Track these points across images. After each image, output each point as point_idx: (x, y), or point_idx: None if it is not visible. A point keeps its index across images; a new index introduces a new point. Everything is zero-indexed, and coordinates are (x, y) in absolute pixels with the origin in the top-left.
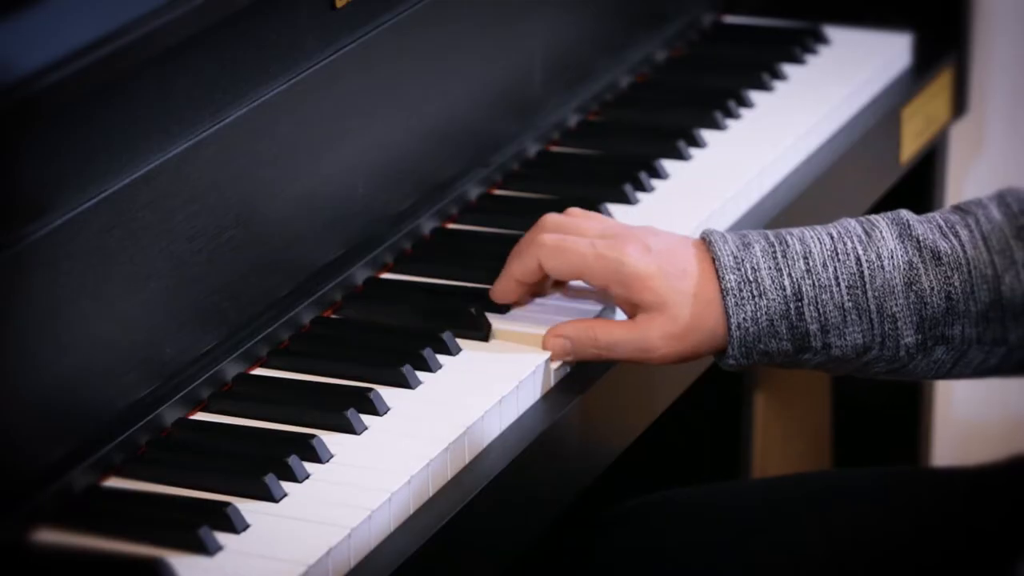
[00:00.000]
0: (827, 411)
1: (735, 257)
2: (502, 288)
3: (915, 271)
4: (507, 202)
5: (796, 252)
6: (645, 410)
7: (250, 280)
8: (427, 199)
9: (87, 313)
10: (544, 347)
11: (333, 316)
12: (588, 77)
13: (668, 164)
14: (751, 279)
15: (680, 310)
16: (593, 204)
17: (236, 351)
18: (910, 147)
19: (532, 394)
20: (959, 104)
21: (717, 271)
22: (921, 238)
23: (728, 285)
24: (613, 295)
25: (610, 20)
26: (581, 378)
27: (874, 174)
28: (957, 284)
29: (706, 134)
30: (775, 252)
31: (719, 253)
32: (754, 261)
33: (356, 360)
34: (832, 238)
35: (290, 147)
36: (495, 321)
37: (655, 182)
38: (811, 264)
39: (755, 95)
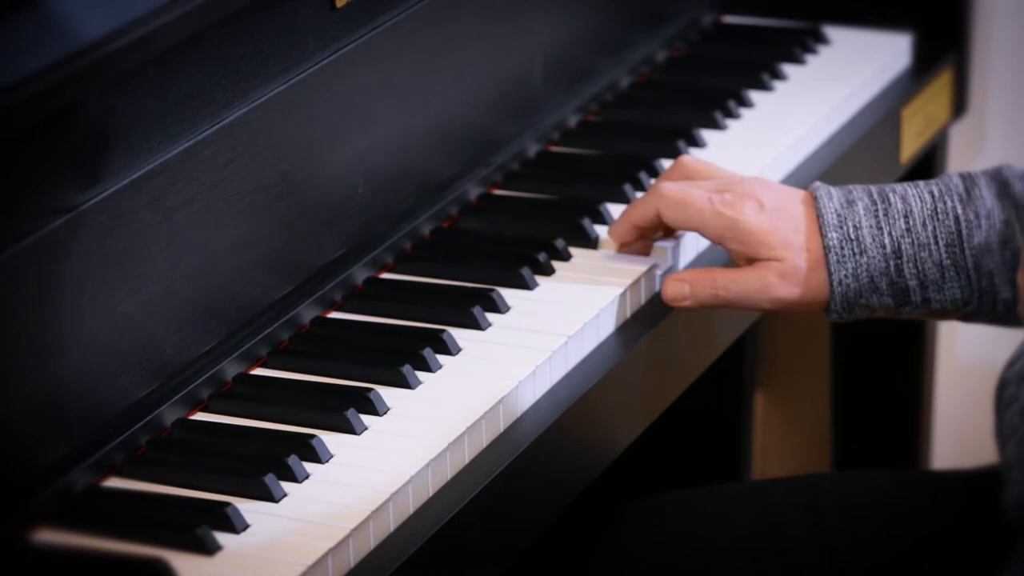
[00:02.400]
0: (827, 411)
1: (838, 215)
2: (619, 229)
3: (1011, 229)
4: (507, 202)
5: (897, 210)
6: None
7: (250, 280)
8: (427, 199)
9: (87, 313)
10: (664, 293)
11: (333, 316)
12: (588, 77)
13: (668, 164)
14: (852, 237)
15: (794, 261)
16: (593, 204)
17: (236, 351)
18: (910, 147)
19: (532, 395)
20: (959, 104)
21: (821, 228)
22: (1018, 196)
23: (831, 243)
24: (728, 249)
25: (610, 20)
26: (582, 379)
27: (874, 174)
28: None
29: (706, 134)
30: (877, 210)
31: (823, 210)
32: (856, 219)
33: (356, 360)
34: (933, 196)
35: (290, 146)
36: (495, 321)
37: (654, 182)
38: (911, 223)
39: (755, 95)
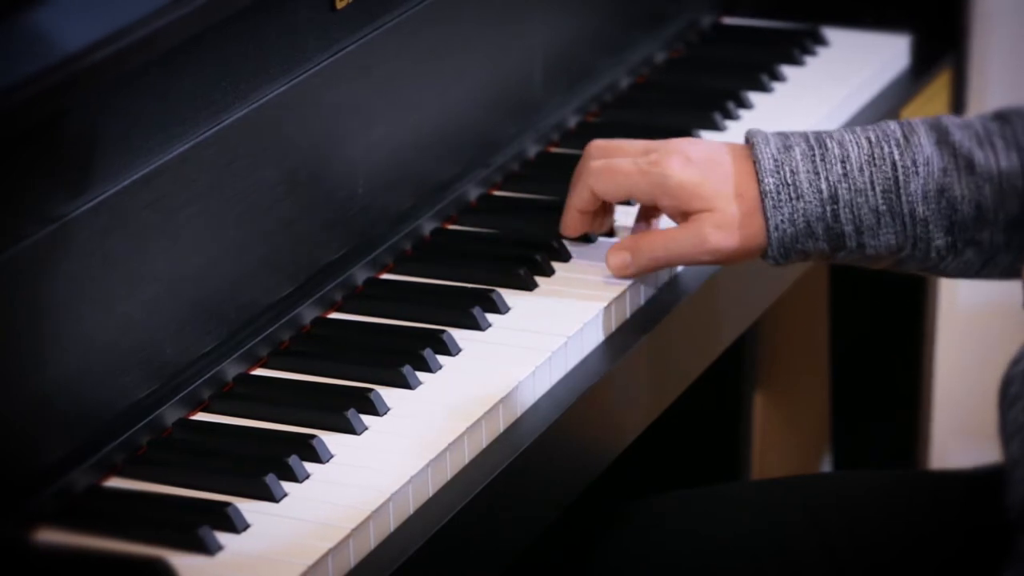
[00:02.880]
0: (826, 411)
1: (775, 160)
2: (567, 221)
3: (948, 178)
4: (507, 203)
5: (834, 156)
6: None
7: (251, 280)
8: (427, 200)
9: (88, 314)
10: (608, 264)
11: (333, 316)
12: (588, 78)
13: None
14: (789, 182)
15: (727, 208)
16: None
17: (237, 351)
18: None
19: (532, 395)
20: (957, 105)
21: (757, 173)
22: (957, 145)
23: (767, 188)
24: (662, 207)
25: (610, 21)
26: (581, 379)
27: None
28: (988, 194)
29: (705, 135)
30: (814, 155)
31: (760, 156)
32: (793, 164)
33: (356, 360)
34: (870, 142)
35: (291, 147)
36: (495, 322)
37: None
38: (848, 168)
39: (754, 96)
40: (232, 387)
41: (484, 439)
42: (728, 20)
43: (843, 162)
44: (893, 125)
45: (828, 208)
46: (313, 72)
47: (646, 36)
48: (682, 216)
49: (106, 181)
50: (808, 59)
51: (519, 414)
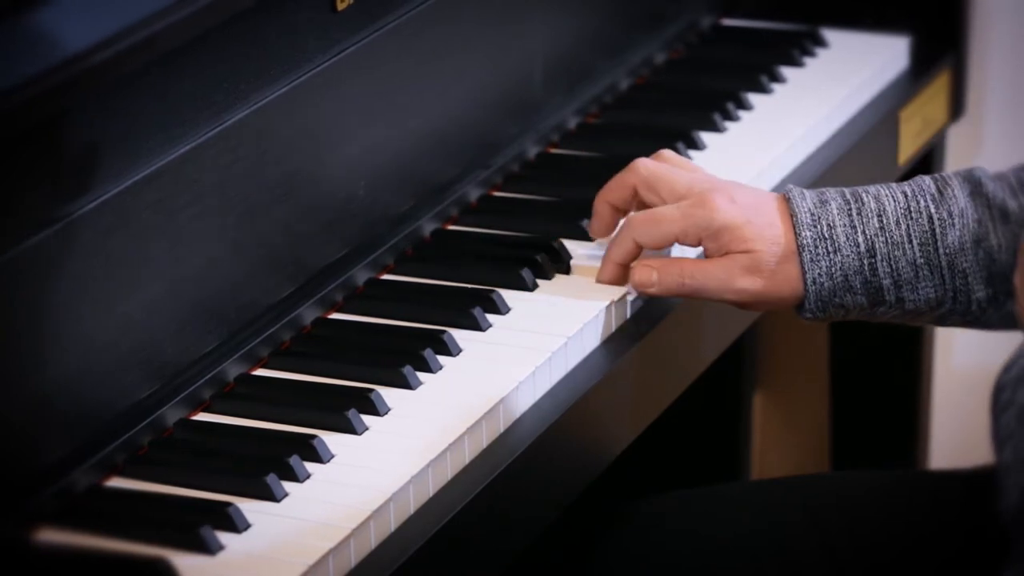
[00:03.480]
0: (826, 411)
1: (812, 214)
2: (606, 273)
3: (984, 228)
4: (507, 204)
5: (871, 210)
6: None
7: (252, 281)
8: (428, 201)
9: (89, 314)
10: (632, 278)
11: (334, 317)
12: (588, 79)
13: None
14: (826, 236)
15: (766, 255)
16: (592, 206)
17: (237, 352)
18: (908, 149)
19: (532, 395)
20: (957, 106)
21: (794, 227)
22: (991, 196)
23: (804, 241)
24: (705, 249)
25: (610, 22)
26: (581, 379)
27: (872, 176)
28: None
29: (705, 136)
30: (850, 209)
31: (796, 209)
32: (830, 218)
33: (357, 361)
34: (906, 196)
35: (292, 148)
36: (495, 322)
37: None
38: (885, 221)
39: (753, 97)
40: (233, 387)
41: (484, 439)
42: (728, 21)
43: (879, 216)
44: (927, 179)
45: (866, 262)
46: (314, 73)
47: (646, 37)
48: (721, 256)
49: (107, 182)
50: (807, 60)
51: (519, 414)
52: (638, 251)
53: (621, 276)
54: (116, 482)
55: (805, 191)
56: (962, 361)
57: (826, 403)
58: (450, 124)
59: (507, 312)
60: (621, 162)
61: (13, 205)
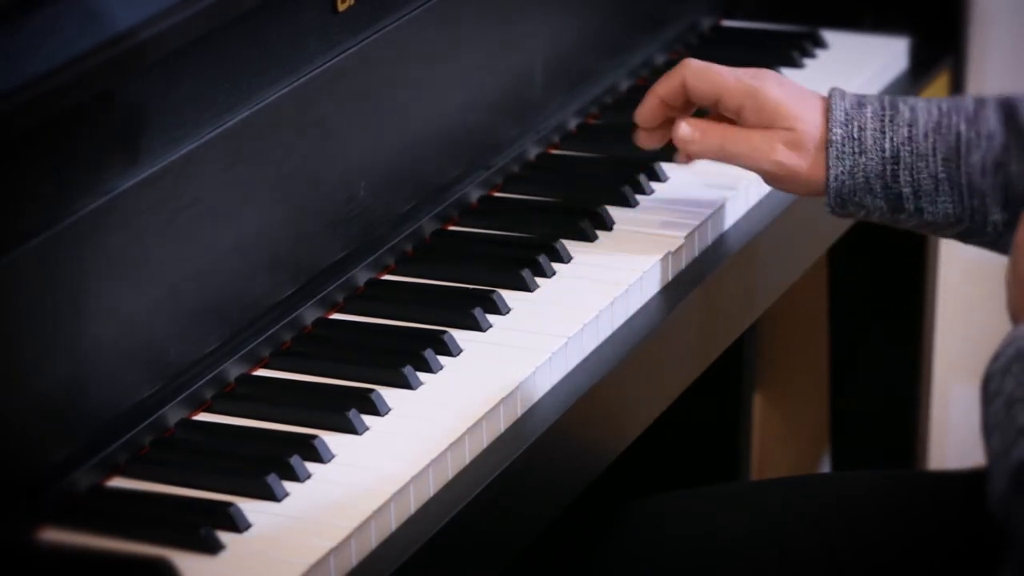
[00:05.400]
0: (825, 412)
1: (846, 113)
2: (646, 108)
3: (1008, 154)
4: (507, 204)
5: (903, 119)
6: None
7: (253, 281)
8: (428, 201)
9: (91, 314)
10: (675, 131)
11: (335, 317)
12: (588, 80)
13: (667, 167)
14: (855, 136)
15: (805, 136)
16: (592, 207)
17: (238, 352)
18: None
19: (532, 395)
20: None
21: (827, 122)
22: (1022, 125)
23: (834, 138)
24: (745, 119)
25: (610, 24)
26: (582, 379)
27: None
28: None
29: None
30: (884, 115)
31: (834, 107)
32: (863, 120)
33: (358, 361)
34: (940, 111)
35: (293, 149)
36: (496, 322)
37: (654, 185)
38: (914, 132)
39: None
40: (234, 387)
41: (485, 439)
42: (728, 22)
43: (910, 126)
44: (968, 99)
45: (888, 167)
46: (315, 74)
47: (646, 38)
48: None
49: (109, 182)
50: (807, 61)
51: (520, 414)
52: (683, 94)
53: (659, 113)
54: (117, 482)
55: (847, 92)
56: (963, 361)
57: (826, 403)
58: (451, 125)
59: (507, 312)
60: (621, 163)
61: (14, 205)
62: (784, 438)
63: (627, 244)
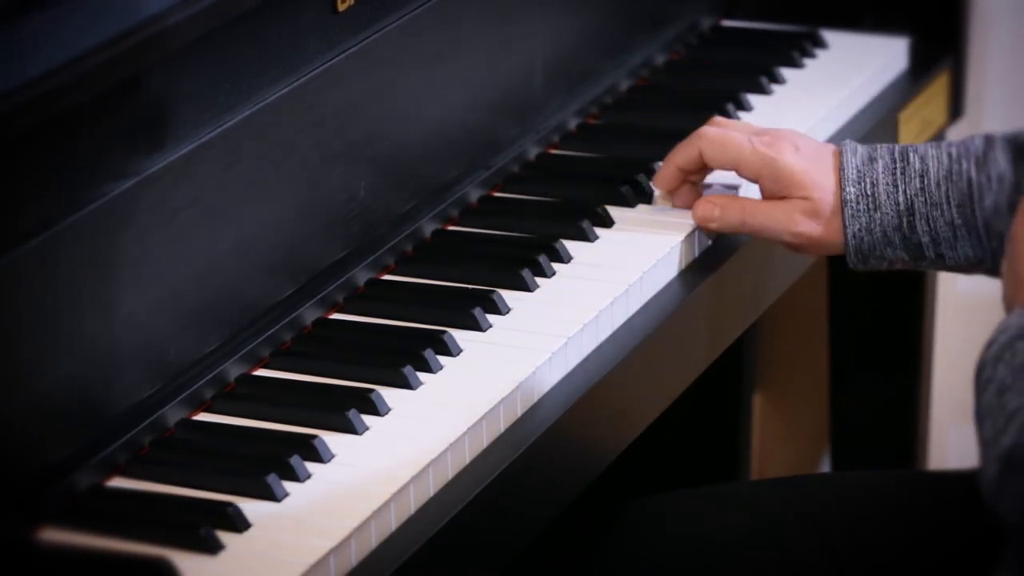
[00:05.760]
0: (825, 412)
1: (858, 171)
2: (664, 174)
3: (1020, 194)
4: (507, 204)
5: (915, 170)
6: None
7: (253, 281)
8: (428, 201)
9: (91, 314)
10: (695, 212)
11: (335, 317)
12: (588, 80)
13: None
14: (869, 193)
15: (821, 201)
16: (592, 207)
17: (238, 352)
18: None
19: (532, 395)
20: (955, 107)
21: (840, 182)
22: None
23: (848, 197)
24: (762, 188)
25: (610, 24)
26: (581, 379)
27: None
28: None
29: None
30: (895, 168)
31: (845, 165)
32: (874, 176)
33: (357, 361)
34: (950, 158)
35: (293, 149)
36: (496, 322)
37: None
38: (926, 182)
39: (753, 98)
40: (234, 387)
41: (485, 439)
42: (727, 22)
43: (922, 176)
44: (977, 140)
45: (904, 220)
46: (315, 74)
47: (646, 38)
48: (778, 200)
49: (108, 182)
50: (807, 61)
51: (520, 414)
52: (700, 162)
53: (677, 179)
54: (118, 482)
55: (858, 146)
56: (964, 361)
57: (826, 403)
58: (451, 125)
59: (507, 312)
60: (621, 162)
61: (14, 205)
62: (784, 438)
63: (627, 244)
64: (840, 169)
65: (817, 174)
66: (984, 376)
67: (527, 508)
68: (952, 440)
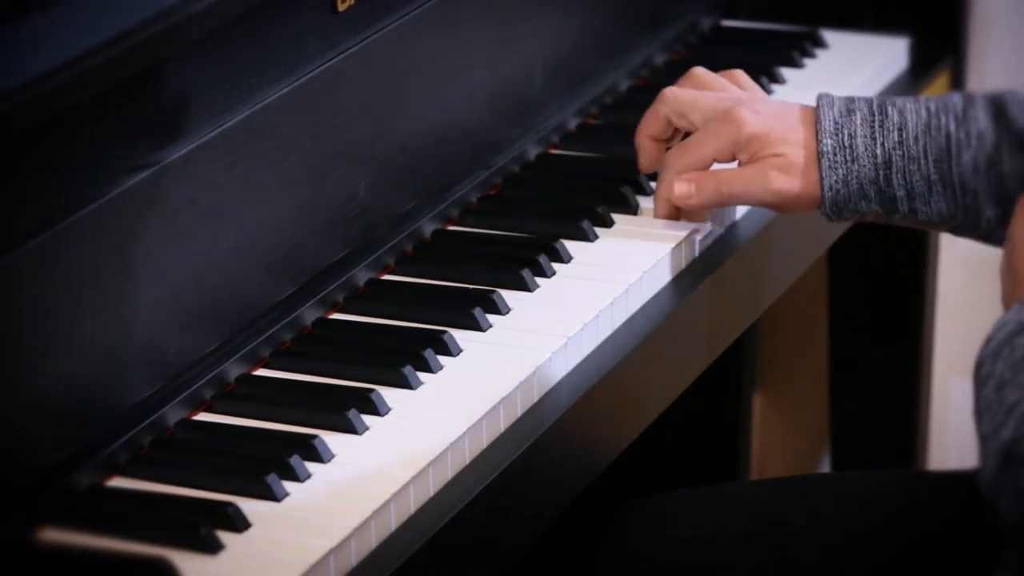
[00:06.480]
0: (825, 412)
1: (835, 123)
2: (643, 153)
3: (999, 152)
4: (507, 204)
5: (893, 123)
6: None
7: (253, 281)
8: (428, 201)
9: (91, 314)
10: (671, 191)
11: (335, 317)
12: (588, 80)
13: None
14: (846, 144)
15: (792, 156)
16: (592, 206)
17: (238, 352)
18: None
19: (532, 395)
20: None
21: (817, 134)
22: (1012, 121)
23: (824, 148)
24: (739, 161)
25: (610, 23)
26: (581, 380)
27: None
28: None
29: None
30: (873, 121)
31: (822, 117)
32: (852, 128)
33: (358, 361)
34: (929, 112)
35: (293, 149)
36: (496, 322)
37: (655, 184)
38: (904, 136)
39: None
40: (234, 387)
41: (485, 439)
42: (727, 22)
43: (900, 130)
44: (956, 97)
45: (881, 173)
46: (314, 74)
47: (646, 38)
48: (751, 162)
49: (108, 182)
50: (807, 61)
51: (520, 414)
52: (669, 125)
53: (655, 152)
54: (117, 482)
55: (835, 98)
56: (964, 361)
57: (826, 403)
58: (451, 125)
59: (507, 312)
60: (621, 162)
61: (15, 205)
62: (784, 438)
63: (627, 244)
64: (817, 121)
65: (781, 131)
66: (983, 372)
67: (527, 508)
68: (951, 455)
